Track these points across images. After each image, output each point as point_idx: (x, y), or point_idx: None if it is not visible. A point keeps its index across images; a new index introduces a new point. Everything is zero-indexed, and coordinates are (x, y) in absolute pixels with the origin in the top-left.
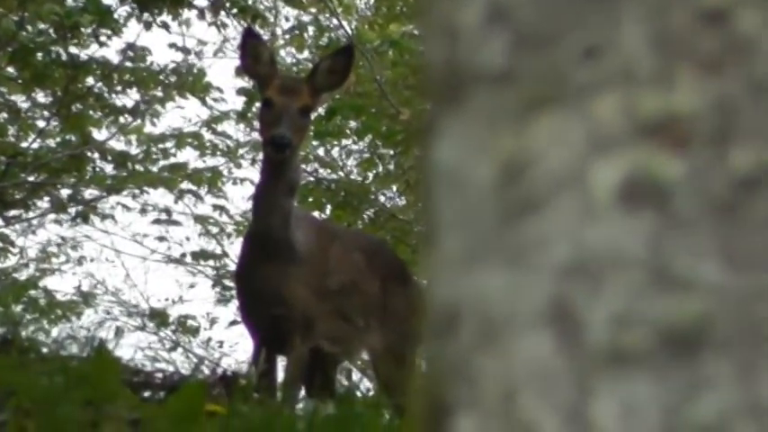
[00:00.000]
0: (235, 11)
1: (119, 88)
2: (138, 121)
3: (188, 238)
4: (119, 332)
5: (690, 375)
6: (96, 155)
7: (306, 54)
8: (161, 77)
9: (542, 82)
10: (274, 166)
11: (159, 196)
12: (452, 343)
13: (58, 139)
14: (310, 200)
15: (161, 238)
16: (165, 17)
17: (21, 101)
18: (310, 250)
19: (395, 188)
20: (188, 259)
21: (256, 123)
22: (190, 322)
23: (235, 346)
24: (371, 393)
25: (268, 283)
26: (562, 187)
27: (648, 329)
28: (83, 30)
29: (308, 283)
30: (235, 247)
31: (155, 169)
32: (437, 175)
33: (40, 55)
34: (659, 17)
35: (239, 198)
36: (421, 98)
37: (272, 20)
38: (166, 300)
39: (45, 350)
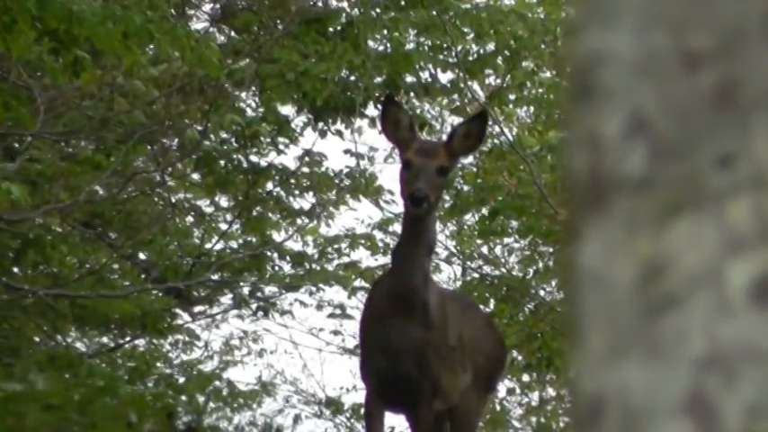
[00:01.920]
0: None
1: (296, 192)
2: (314, 222)
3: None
4: (297, 419)
5: None
6: (275, 255)
7: (470, 159)
8: (335, 181)
9: (679, 189)
10: (414, 224)
11: (334, 293)
12: None
13: (240, 241)
14: (475, 294)
15: (336, 332)
16: (339, 125)
17: (205, 205)
18: (439, 310)
19: (553, 283)
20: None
21: None
22: (363, 410)
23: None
24: None
25: (405, 343)
26: (698, 286)
27: None
28: (262, 138)
29: (438, 346)
30: None
31: (330, 268)
32: (581, 275)
33: (222, 162)
34: None
35: None
36: (566, 204)
37: (438, 127)
38: (341, 388)
39: None
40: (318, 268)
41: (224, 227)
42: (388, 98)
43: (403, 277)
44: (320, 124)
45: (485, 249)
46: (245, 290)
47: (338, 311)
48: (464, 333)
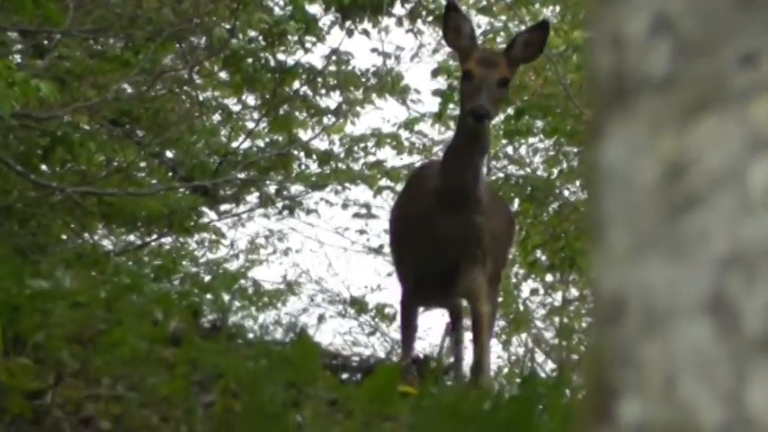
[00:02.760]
0: (430, 19)
1: (323, 91)
2: (341, 121)
3: (385, 230)
4: (321, 318)
5: None
6: (302, 154)
7: None
8: (362, 80)
9: (702, 87)
10: (472, 135)
11: (360, 192)
12: (617, 331)
13: (267, 140)
14: (500, 194)
15: (361, 231)
16: (366, 25)
17: (232, 104)
18: (488, 202)
19: (578, 183)
20: (386, 250)
21: (451, 123)
22: (387, 309)
23: (428, 331)
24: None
25: (456, 230)
26: (720, 185)
27: None
28: (289, 37)
29: (486, 232)
30: None
31: (356, 167)
32: (604, 174)
33: (249, 61)
34: None
35: None
36: (590, 104)
37: None
38: (366, 288)
39: (251, 336)
40: (344, 167)
41: (251, 125)
42: (450, 5)
43: (454, 180)
44: (347, 23)
45: (510, 149)
46: (272, 188)
47: (364, 211)
48: (499, 232)
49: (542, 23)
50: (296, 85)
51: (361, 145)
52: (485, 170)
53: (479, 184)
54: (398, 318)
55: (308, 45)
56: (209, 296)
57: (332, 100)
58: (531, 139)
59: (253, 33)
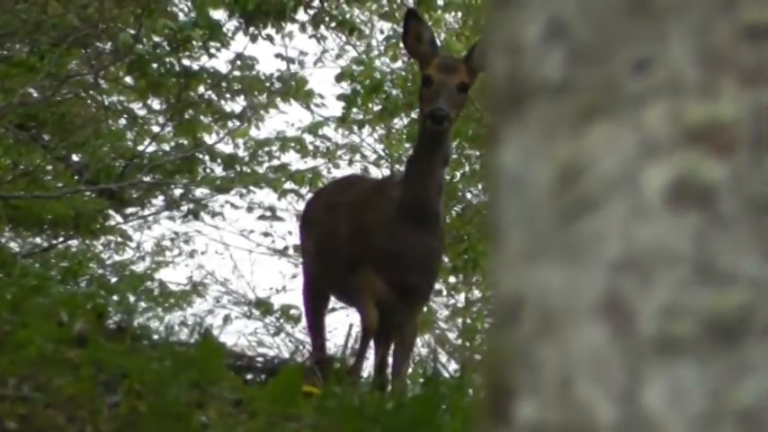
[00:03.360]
0: (333, 24)
1: (227, 95)
2: (245, 125)
3: (290, 233)
4: (226, 320)
5: (733, 361)
6: (207, 157)
7: (399, 63)
8: (266, 85)
9: (596, 93)
10: (432, 139)
11: (264, 195)
12: (515, 332)
13: (172, 143)
14: None
15: (266, 233)
16: (270, 30)
17: (137, 108)
18: (443, 221)
19: (480, 186)
20: (290, 252)
21: (354, 127)
22: (292, 310)
23: (333, 332)
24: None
25: (417, 254)
26: (615, 190)
27: (695, 319)
28: (194, 42)
29: (440, 255)
30: None
31: (260, 170)
32: (501, 178)
33: (155, 66)
34: (703, 33)
35: None
36: (487, 109)
37: (367, 32)
38: (271, 289)
39: (156, 337)
40: (249, 170)
41: (156, 129)
42: (410, 12)
43: (417, 189)
44: (251, 29)
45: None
46: (177, 192)
47: (268, 213)
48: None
49: None
50: (201, 89)
51: (266, 149)
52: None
53: (440, 199)
54: (304, 314)
55: (212, 50)
56: (114, 297)
57: (237, 104)
58: None
59: (157, 39)
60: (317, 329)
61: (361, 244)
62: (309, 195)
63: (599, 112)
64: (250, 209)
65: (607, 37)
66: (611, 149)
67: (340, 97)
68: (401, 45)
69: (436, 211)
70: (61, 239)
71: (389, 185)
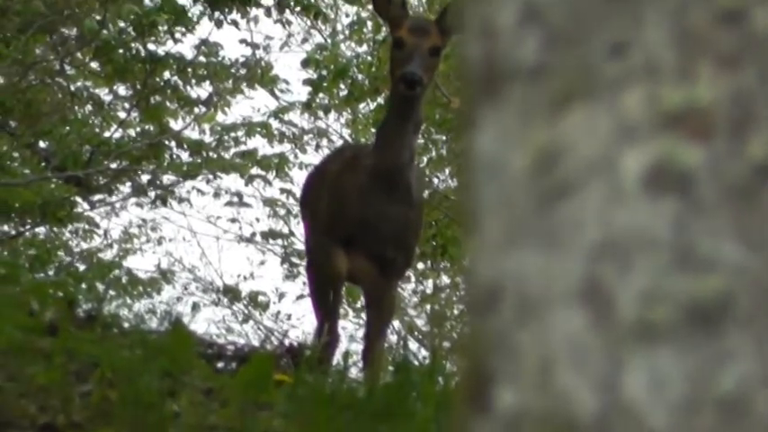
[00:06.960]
0: (298, 9)
1: (193, 81)
2: (211, 111)
3: (258, 219)
4: (195, 307)
5: (712, 348)
6: (173, 143)
7: (364, 48)
8: (232, 71)
9: (573, 77)
10: (404, 104)
11: (231, 181)
12: (493, 318)
13: (138, 129)
14: None
15: (233, 220)
16: (235, 15)
17: (103, 94)
18: (418, 189)
19: (447, 171)
20: (258, 238)
21: (320, 113)
22: (260, 297)
23: (302, 319)
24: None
25: (390, 224)
26: (592, 174)
27: (674, 305)
28: (159, 28)
29: (417, 225)
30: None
31: (227, 156)
32: (477, 163)
33: (120, 51)
34: (680, 16)
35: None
36: (461, 93)
37: (332, 16)
38: (239, 276)
39: (126, 325)
40: (215, 156)
41: (122, 115)
42: None
43: (388, 156)
44: (216, 14)
45: None
46: (144, 178)
47: (235, 199)
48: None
49: None
50: (167, 75)
51: (232, 134)
52: None
53: (412, 167)
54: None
55: (177, 36)
56: (83, 286)
57: (202, 90)
58: None
59: (123, 24)
60: (322, 309)
61: (338, 213)
62: (277, 181)
63: (576, 96)
64: (217, 195)
65: (583, 20)
66: (588, 134)
67: (306, 82)
68: (365, 30)
69: (408, 178)
70: (29, 227)
71: (363, 154)
